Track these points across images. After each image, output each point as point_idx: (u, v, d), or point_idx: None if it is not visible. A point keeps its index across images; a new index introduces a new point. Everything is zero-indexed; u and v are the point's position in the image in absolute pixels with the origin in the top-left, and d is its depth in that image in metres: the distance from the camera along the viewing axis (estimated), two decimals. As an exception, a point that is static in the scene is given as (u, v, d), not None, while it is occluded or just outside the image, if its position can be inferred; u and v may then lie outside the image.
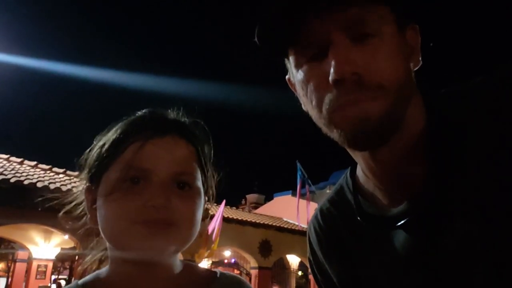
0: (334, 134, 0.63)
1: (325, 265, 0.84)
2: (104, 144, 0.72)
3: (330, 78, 0.58)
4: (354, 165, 0.80)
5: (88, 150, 0.75)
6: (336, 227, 0.83)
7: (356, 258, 0.77)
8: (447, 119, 0.65)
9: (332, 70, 0.58)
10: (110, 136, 0.72)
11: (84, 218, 0.75)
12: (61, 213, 0.80)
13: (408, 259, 0.67)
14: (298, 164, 13.53)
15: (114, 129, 0.73)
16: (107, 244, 0.71)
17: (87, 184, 0.74)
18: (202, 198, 0.73)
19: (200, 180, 0.73)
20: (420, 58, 0.68)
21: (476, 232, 0.58)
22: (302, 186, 13.80)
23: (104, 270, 0.73)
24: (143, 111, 0.77)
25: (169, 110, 0.78)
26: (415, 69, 0.67)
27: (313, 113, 0.66)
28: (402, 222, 0.66)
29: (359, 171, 0.79)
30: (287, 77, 0.75)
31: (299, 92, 0.68)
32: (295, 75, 0.67)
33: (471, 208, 0.59)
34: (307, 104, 0.66)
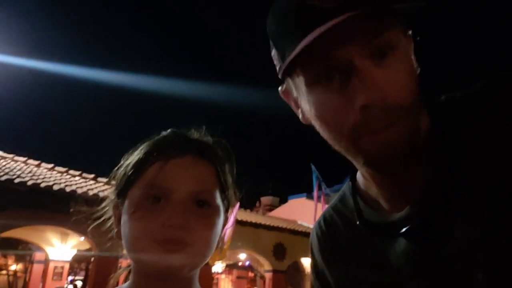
0: (358, 158, 0.62)
1: (325, 272, 0.84)
2: (129, 163, 0.76)
3: (358, 103, 0.57)
4: (355, 170, 0.79)
5: (116, 168, 0.79)
6: (338, 234, 0.83)
7: (356, 264, 0.76)
8: (449, 126, 0.65)
9: (360, 96, 0.57)
10: (135, 155, 0.76)
11: (112, 233, 0.79)
12: (90, 228, 0.86)
13: (409, 266, 0.66)
14: (313, 167, 13.45)
15: (140, 148, 0.77)
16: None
17: (115, 201, 0.77)
18: (221, 215, 0.75)
19: (220, 198, 0.75)
20: (416, 64, 0.67)
21: (477, 239, 0.58)
22: (319, 188, 13.70)
23: (126, 284, 0.76)
24: (168, 131, 0.80)
25: (192, 130, 0.81)
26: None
27: (329, 136, 0.64)
28: (404, 229, 0.65)
29: (359, 177, 0.79)
30: (280, 89, 0.73)
31: (309, 111, 0.66)
32: (304, 91, 0.64)
33: (473, 214, 0.59)
34: (320, 125, 0.65)
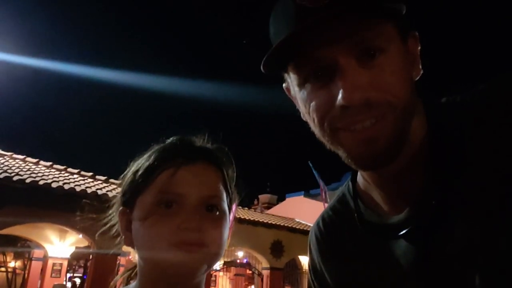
0: (340, 153, 0.64)
1: (324, 273, 0.84)
2: (137, 170, 0.77)
3: (338, 103, 0.58)
4: (355, 171, 0.80)
5: (122, 175, 0.80)
6: (337, 234, 0.83)
7: (356, 265, 0.77)
8: (448, 129, 0.65)
9: (340, 96, 0.58)
10: (143, 162, 0.78)
11: (119, 239, 0.80)
12: (98, 233, 0.88)
13: (409, 267, 0.67)
14: (312, 165, 13.47)
15: (147, 155, 0.79)
16: (138, 262, 0.77)
17: (121, 207, 0.78)
18: (228, 219, 0.78)
19: (226, 202, 0.78)
20: (421, 66, 0.67)
21: (476, 241, 0.58)
22: (316, 187, 13.73)
23: (132, 286, 0.78)
24: (173, 138, 0.82)
25: (196, 136, 0.83)
26: (417, 78, 0.67)
27: (315, 130, 0.66)
28: (404, 231, 0.66)
29: (359, 178, 0.79)
30: (284, 85, 0.74)
31: (302, 108, 0.69)
32: (297, 91, 0.67)
33: (472, 216, 0.59)
34: (310, 121, 0.67)
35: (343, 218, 0.82)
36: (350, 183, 0.82)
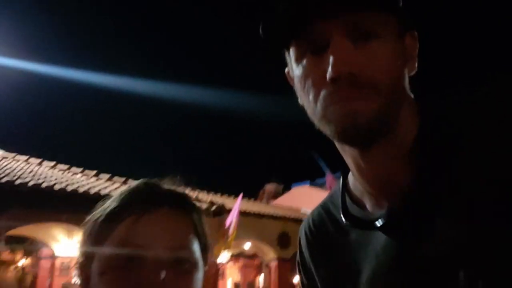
0: (325, 128, 0.64)
1: (312, 269, 0.85)
2: (98, 218, 0.70)
3: (328, 76, 0.59)
4: (347, 169, 0.79)
5: (85, 221, 0.72)
6: (325, 231, 0.83)
7: (341, 262, 0.77)
8: (439, 128, 0.65)
9: (329, 68, 0.59)
10: (104, 209, 0.70)
11: None
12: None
13: (388, 263, 0.67)
14: (316, 154, 13.42)
15: (109, 201, 0.71)
16: None
17: (81, 260, 0.70)
18: (201, 270, 0.70)
19: (198, 251, 0.70)
20: (416, 65, 0.69)
21: (459, 238, 0.58)
22: (322, 176, 13.70)
23: None
24: (138, 182, 0.74)
25: (166, 179, 0.76)
26: (411, 74, 0.67)
27: (308, 107, 0.66)
28: (381, 224, 0.66)
29: (350, 176, 0.80)
30: (286, 70, 0.75)
31: (297, 86, 0.68)
32: (294, 69, 0.67)
33: (458, 215, 0.59)
34: (304, 98, 0.67)
35: (331, 214, 0.83)
36: (340, 181, 0.82)
